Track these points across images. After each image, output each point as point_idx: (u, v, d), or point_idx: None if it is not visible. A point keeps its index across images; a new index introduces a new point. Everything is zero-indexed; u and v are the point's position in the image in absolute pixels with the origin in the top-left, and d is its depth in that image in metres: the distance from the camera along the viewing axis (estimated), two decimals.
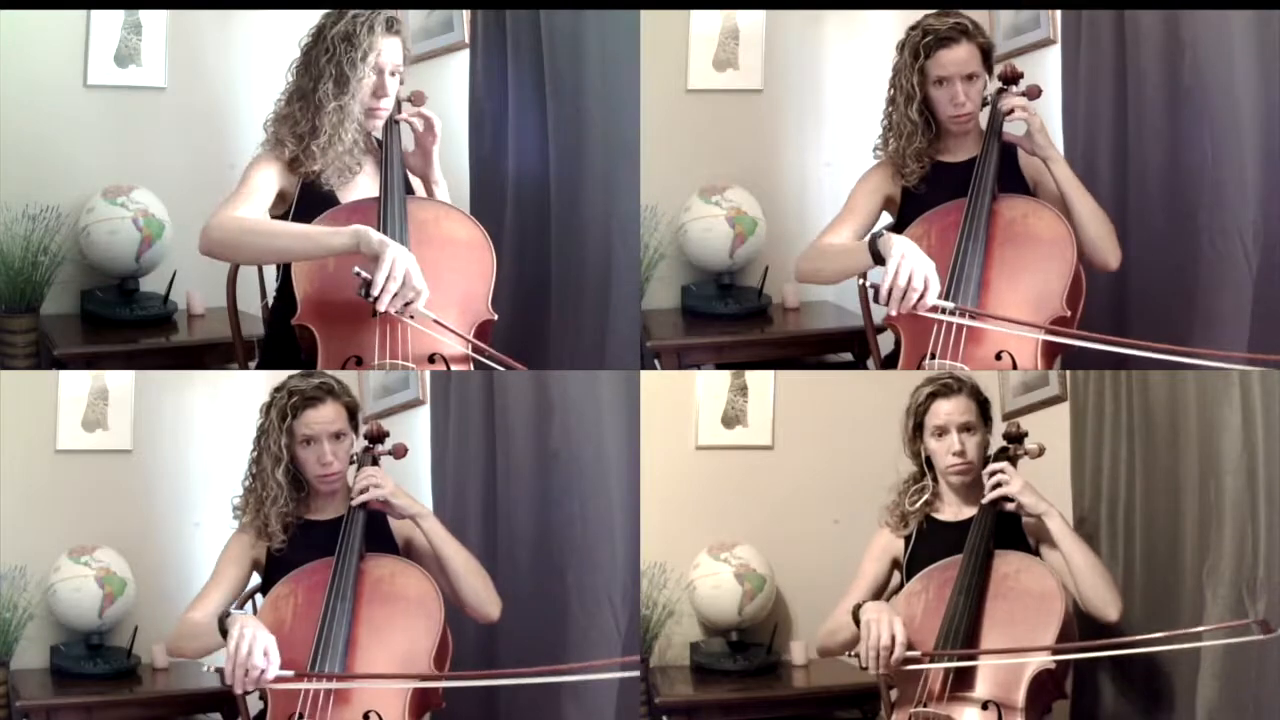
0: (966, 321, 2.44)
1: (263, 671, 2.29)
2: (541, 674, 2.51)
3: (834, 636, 2.60)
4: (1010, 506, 2.54)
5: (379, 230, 2.40)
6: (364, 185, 2.56)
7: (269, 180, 2.48)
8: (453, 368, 2.46)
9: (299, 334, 2.47)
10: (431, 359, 2.45)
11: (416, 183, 2.65)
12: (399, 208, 2.49)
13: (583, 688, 2.80)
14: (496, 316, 2.53)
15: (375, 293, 2.28)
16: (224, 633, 2.33)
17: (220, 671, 2.33)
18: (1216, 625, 2.42)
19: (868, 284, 2.42)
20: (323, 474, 2.54)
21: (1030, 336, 2.44)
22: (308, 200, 2.51)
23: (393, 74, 2.52)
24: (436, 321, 2.40)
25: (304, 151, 2.48)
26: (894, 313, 2.39)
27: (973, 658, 2.42)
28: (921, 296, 2.35)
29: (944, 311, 2.42)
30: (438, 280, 2.44)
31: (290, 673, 2.33)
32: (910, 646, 2.43)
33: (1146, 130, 2.82)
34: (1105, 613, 2.47)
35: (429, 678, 2.42)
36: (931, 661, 2.42)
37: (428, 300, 2.37)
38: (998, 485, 2.54)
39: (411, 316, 2.37)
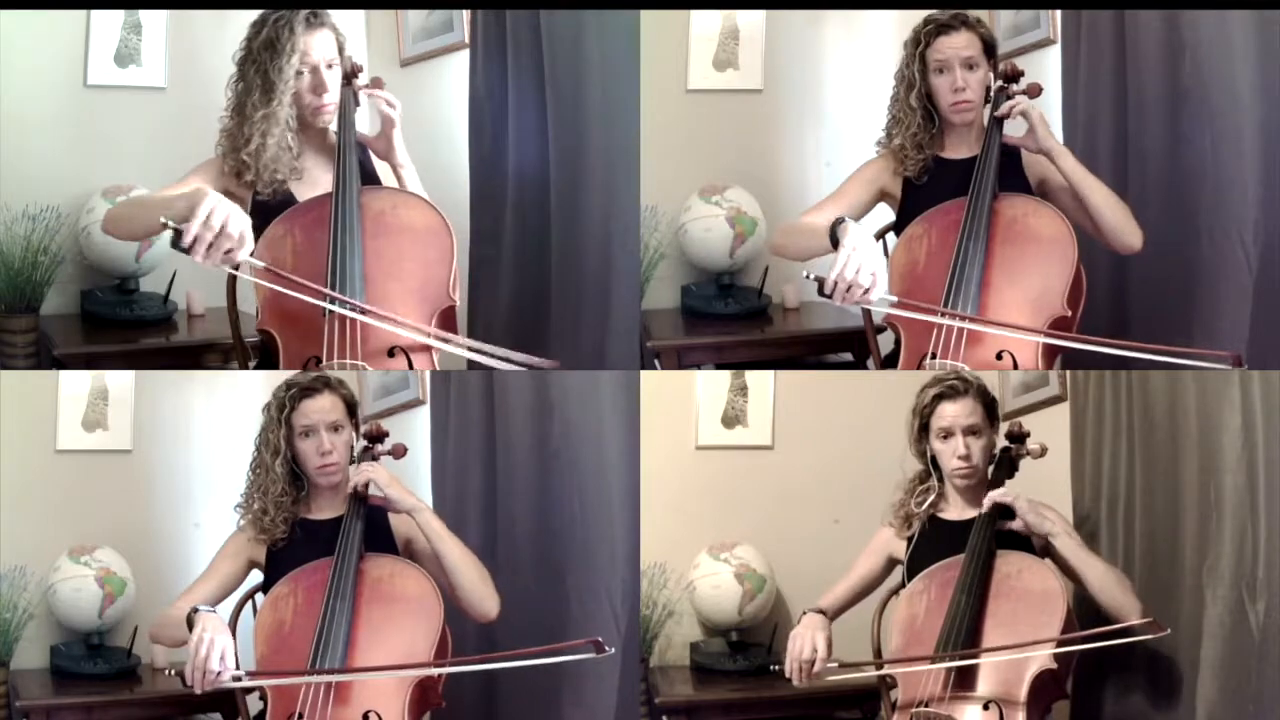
0: (966, 324, 2.44)
1: (219, 674, 2.30)
2: (527, 656, 2.48)
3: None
4: (1014, 525, 2.55)
5: (332, 226, 2.43)
6: (322, 181, 2.55)
7: (205, 182, 2.47)
8: (415, 361, 2.45)
9: (264, 339, 2.48)
10: (391, 354, 2.44)
11: (386, 169, 2.63)
12: (352, 199, 2.48)
13: (583, 688, 2.81)
14: (458, 302, 2.52)
15: (186, 242, 2.23)
16: (190, 628, 2.33)
17: (180, 674, 2.33)
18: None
19: (811, 275, 2.39)
20: (322, 465, 2.54)
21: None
22: (263, 208, 2.51)
23: (330, 67, 2.51)
24: (384, 315, 2.40)
25: (241, 162, 2.49)
26: (838, 303, 2.35)
27: (967, 658, 2.42)
28: (866, 292, 2.33)
29: (886, 305, 2.41)
30: (396, 270, 2.45)
31: (242, 671, 2.33)
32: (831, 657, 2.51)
33: (1146, 130, 2.82)
34: (1127, 621, 2.47)
35: (405, 667, 2.41)
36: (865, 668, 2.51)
37: (389, 289, 2.39)
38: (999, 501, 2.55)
39: (236, 267, 2.30)
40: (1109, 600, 2.49)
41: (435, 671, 2.44)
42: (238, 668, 2.33)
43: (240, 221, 2.26)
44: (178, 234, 2.23)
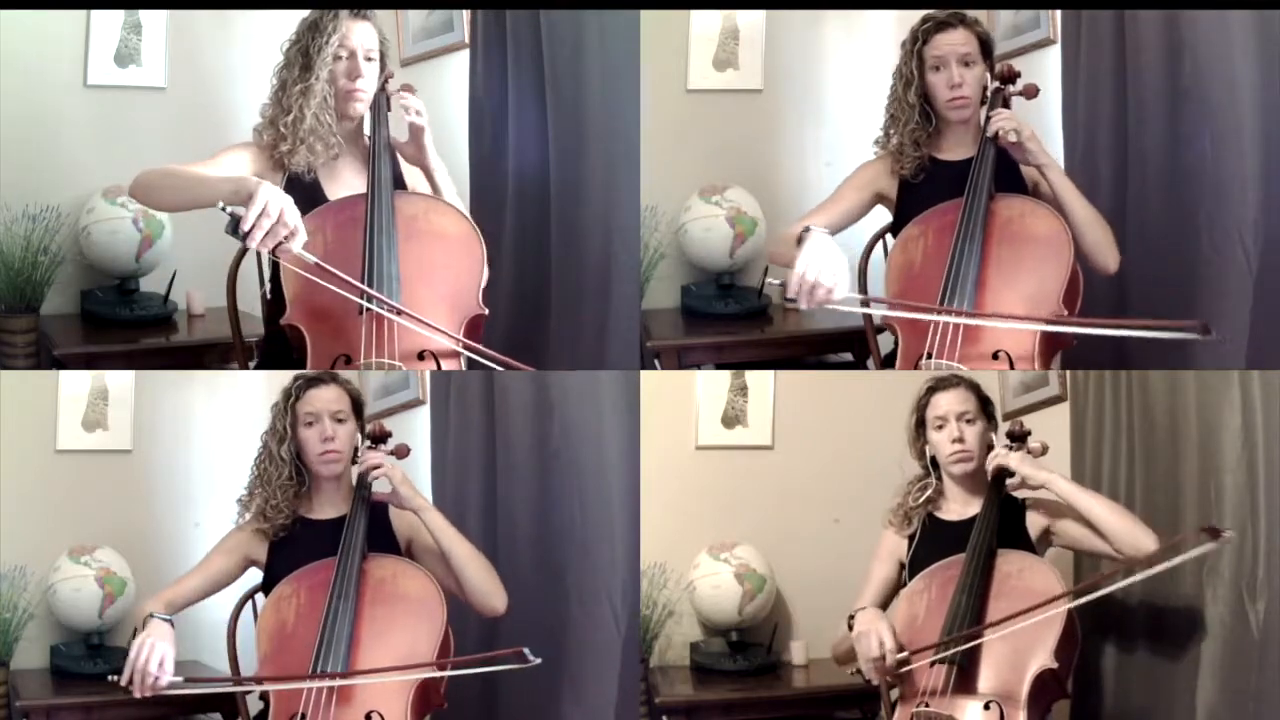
0: (958, 320, 2.44)
1: (156, 679, 2.32)
2: (458, 665, 2.48)
3: (840, 645, 2.63)
4: (1012, 481, 2.56)
5: (367, 227, 2.43)
6: (352, 182, 2.56)
7: (237, 160, 2.51)
8: (443, 365, 2.46)
9: (289, 333, 2.48)
10: (420, 356, 2.44)
11: (415, 174, 2.65)
12: (386, 203, 2.49)
13: (583, 688, 2.81)
14: (488, 311, 2.52)
15: (245, 228, 2.24)
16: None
17: (117, 674, 2.35)
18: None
19: (772, 281, 2.38)
20: (324, 451, 2.55)
21: (1028, 332, 2.44)
22: (293, 195, 2.51)
23: (368, 58, 2.54)
24: (420, 320, 2.40)
25: (279, 136, 2.50)
26: (804, 307, 2.35)
27: (978, 643, 2.42)
28: (830, 292, 2.31)
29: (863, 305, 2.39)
30: (428, 275, 2.45)
31: (180, 679, 2.35)
32: (900, 648, 2.47)
33: (1146, 130, 2.82)
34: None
35: (402, 669, 2.41)
36: (925, 654, 2.44)
37: (420, 294, 2.39)
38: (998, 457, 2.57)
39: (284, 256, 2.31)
40: (1120, 542, 2.44)
41: (432, 676, 2.44)
42: (175, 674, 2.35)
43: (295, 212, 2.28)
44: (235, 220, 2.25)
